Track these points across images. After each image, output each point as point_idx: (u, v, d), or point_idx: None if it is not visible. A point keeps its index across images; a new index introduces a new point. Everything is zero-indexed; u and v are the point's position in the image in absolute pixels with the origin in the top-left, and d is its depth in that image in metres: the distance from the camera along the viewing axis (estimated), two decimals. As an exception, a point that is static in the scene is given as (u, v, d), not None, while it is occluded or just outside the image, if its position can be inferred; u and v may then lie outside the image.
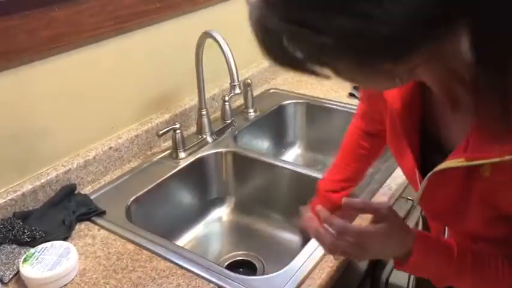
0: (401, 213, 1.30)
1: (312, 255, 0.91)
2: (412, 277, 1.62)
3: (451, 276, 0.72)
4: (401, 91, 0.71)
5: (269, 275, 0.88)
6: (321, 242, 0.74)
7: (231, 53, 1.11)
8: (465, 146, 0.62)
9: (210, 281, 0.87)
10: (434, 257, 0.72)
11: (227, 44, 1.13)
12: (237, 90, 1.12)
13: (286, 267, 0.89)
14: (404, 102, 0.71)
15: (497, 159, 0.57)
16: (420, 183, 0.71)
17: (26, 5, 0.96)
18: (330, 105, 1.54)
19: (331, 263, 0.90)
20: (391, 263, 1.28)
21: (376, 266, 1.21)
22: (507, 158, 0.55)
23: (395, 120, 0.73)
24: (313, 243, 0.94)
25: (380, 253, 0.76)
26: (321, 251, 0.92)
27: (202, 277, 0.88)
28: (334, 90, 1.63)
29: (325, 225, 0.72)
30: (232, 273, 0.89)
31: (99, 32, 1.11)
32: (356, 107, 1.49)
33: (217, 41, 1.13)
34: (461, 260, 0.70)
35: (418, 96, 0.71)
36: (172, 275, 0.89)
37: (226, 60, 1.11)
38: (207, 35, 1.18)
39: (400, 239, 0.72)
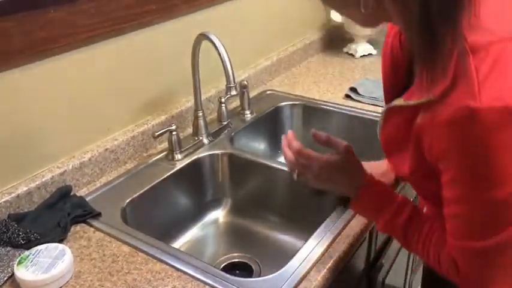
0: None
1: (308, 257, 0.91)
2: (408, 278, 1.62)
3: (386, 222, 0.82)
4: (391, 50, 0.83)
5: (265, 277, 0.88)
6: (285, 159, 0.92)
7: (227, 55, 1.11)
8: (411, 90, 0.73)
9: (206, 283, 0.87)
10: (377, 199, 0.83)
11: (223, 46, 1.13)
12: (233, 92, 1.12)
13: (283, 269, 0.89)
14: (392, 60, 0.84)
15: (413, 102, 0.69)
16: None
17: (21, 6, 0.96)
18: (326, 107, 1.54)
19: (326, 265, 0.90)
20: (387, 265, 1.28)
21: (373, 268, 1.21)
22: (423, 100, 0.67)
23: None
24: (309, 245, 0.94)
25: (331, 182, 0.87)
26: (316, 251, 0.92)
27: (198, 279, 0.88)
28: (331, 92, 1.63)
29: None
30: (228, 275, 0.89)
31: (96, 34, 1.11)
32: (352, 109, 1.50)
33: (213, 43, 1.13)
34: (398, 210, 0.81)
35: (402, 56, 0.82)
36: (168, 277, 0.88)
37: (222, 62, 1.11)
38: (203, 36, 1.18)
39: (351, 175, 0.85)
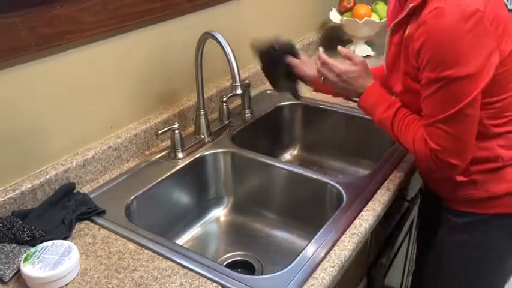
0: (399, 214, 1.32)
1: (313, 255, 0.92)
2: (404, 279, 1.64)
3: (380, 114, 1.06)
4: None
5: (272, 275, 0.88)
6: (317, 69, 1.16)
7: (233, 54, 1.12)
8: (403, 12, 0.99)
9: (213, 281, 0.87)
10: (377, 96, 1.08)
11: (229, 45, 1.13)
12: (239, 91, 1.12)
13: (289, 267, 0.90)
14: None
15: (403, 14, 0.97)
16: None
17: (27, 2, 0.96)
18: (326, 107, 1.55)
19: (332, 263, 0.91)
20: (387, 265, 1.29)
21: (373, 267, 1.22)
22: (408, 10, 0.95)
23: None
24: (314, 243, 0.95)
25: (347, 84, 1.11)
26: (322, 250, 0.93)
27: (206, 276, 0.88)
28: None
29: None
30: (235, 273, 0.89)
31: (100, 31, 1.10)
32: (351, 109, 1.51)
33: (219, 42, 1.13)
34: (390, 105, 1.06)
35: None
36: (175, 275, 0.89)
37: (228, 61, 1.11)
38: (208, 35, 1.18)
39: (362, 79, 1.10)
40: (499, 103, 0.98)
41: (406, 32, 0.97)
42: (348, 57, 1.13)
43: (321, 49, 1.16)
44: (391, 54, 1.07)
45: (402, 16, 0.98)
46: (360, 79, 1.10)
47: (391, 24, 1.04)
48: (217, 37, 1.14)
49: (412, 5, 0.94)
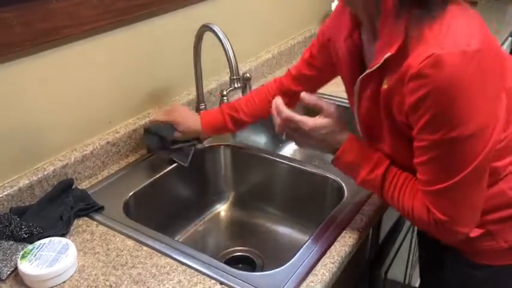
0: (393, 218, 1.30)
1: (313, 251, 0.91)
2: (408, 272, 1.63)
3: (366, 175, 0.89)
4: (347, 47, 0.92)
5: (271, 271, 0.87)
6: (274, 123, 0.94)
7: (231, 47, 1.10)
8: (373, 61, 0.82)
9: (211, 277, 0.86)
10: (358, 154, 0.91)
11: (227, 38, 1.11)
12: (237, 84, 1.11)
13: (288, 263, 0.89)
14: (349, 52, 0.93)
15: (378, 64, 0.79)
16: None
17: (23, -4, 0.95)
18: (329, 99, 1.53)
19: (332, 259, 0.90)
20: (389, 260, 1.28)
21: (375, 263, 1.21)
22: (385, 57, 0.77)
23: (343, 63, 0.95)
24: (314, 239, 0.94)
25: (317, 143, 0.92)
26: (322, 246, 0.92)
27: (204, 273, 0.87)
28: (331, 85, 1.62)
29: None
30: (234, 270, 0.88)
31: (98, 25, 1.09)
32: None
33: (216, 35, 1.12)
34: (377, 164, 0.89)
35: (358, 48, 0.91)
36: (173, 271, 0.88)
37: (226, 54, 1.10)
38: (206, 28, 1.17)
39: (337, 134, 0.91)
40: (503, 142, 0.84)
41: (385, 86, 0.81)
42: (318, 107, 0.92)
43: (278, 99, 0.92)
44: (364, 111, 0.90)
45: (373, 69, 0.81)
46: (335, 134, 0.91)
47: (359, 79, 0.86)
48: (215, 30, 1.12)
49: (388, 55, 0.77)
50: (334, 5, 1.94)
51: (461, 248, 0.95)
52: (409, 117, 0.78)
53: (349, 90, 0.97)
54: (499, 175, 0.86)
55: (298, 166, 1.22)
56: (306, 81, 1.15)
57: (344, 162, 0.92)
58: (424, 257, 1.16)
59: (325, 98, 1.53)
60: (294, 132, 0.92)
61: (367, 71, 0.84)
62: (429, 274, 1.13)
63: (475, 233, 0.88)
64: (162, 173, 1.18)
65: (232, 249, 1.22)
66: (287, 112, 0.91)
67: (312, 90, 1.14)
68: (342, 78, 1.01)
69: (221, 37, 1.11)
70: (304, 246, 0.93)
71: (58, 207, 1.02)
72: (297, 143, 0.96)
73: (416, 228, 1.32)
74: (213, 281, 0.86)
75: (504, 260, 0.92)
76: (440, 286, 1.05)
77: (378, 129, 0.89)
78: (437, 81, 0.71)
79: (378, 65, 0.80)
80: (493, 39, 0.79)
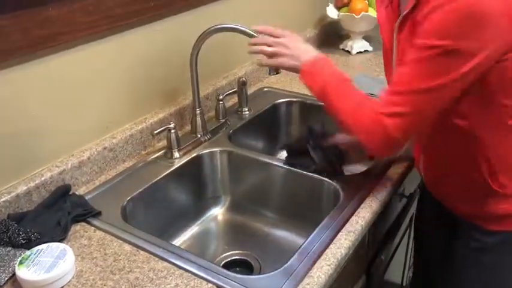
0: (397, 210, 1.32)
1: (309, 253, 0.92)
2: (405, 274, 1.64)
3: (324, 82, 1.00)
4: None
5: (268, 274, 0.88)
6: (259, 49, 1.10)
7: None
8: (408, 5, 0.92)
9: (208, 281, 0.87)
10: (325, 65, 1.03)
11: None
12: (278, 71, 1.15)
13: (284, 266, 0.89)
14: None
15: (410, 7, 0.89)
16: None
17: (19, 4, 0.95)
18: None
19: (328, 261, 0.90)
20: (385, 262, 1.29)
21: (372, 264, 1.22)
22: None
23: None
24: (310, 242, 0.94)
25: (294, 51, 1.06)
26: (318, 248, 0.93)
27: (201, 277, 0.88)
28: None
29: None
30: (231, 273, 0.89)
31: (94, 31, 1.10)
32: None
33: (244, 32, 1.16)
34: (339, 75, 1.01)
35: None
36: (171, 276, 0.88)
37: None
38: (205, 36, 1.18)
39: (309, 46, 1.08)
40: None
41: (418, 18, 0.89)
42: (273, 34, 1.10)
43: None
44: (401, 55, 0.98)
45: (407, 10, 0.91)
46: (300, 43, 1.08)
47: (397, 23, 0.97)
48: (237, 27, 1.17)
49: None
50: (329, 9, 1.95)
51: (476, 213, 1.01)
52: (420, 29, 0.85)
53: (388, 48, 1.05)
54: None
55: (294, 169, 1.23)
56: None
57: (310, 72, 1.03)
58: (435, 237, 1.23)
59: (319, 102, 1.54)
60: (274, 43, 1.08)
61: (403, 13, 0.93)
62: (441, 246, 1.18)
63: (494, 188, 0.94)
64: (159, 177, 1.19)
65: (229, 252, 1.22)
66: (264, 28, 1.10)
67: None
68: (383, 41, 1.09)
69: (248, 33, 1.14)
70: (301, 248, 0.93)
71: (56, 213, 1.02)
72: (276, 61, 1.08)
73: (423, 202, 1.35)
74: (210, 285, 0.86)
75: None
76: (450, 255, 1.10)
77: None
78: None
79: (411, 6, 0.89)
80: None
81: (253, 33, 1.13)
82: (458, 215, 1.07)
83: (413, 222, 1.50)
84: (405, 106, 0.88)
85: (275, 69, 1.15)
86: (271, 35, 1.11)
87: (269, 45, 1.09)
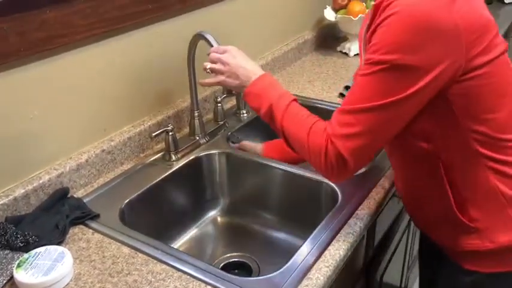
0: (394, 213, 1.32)
1: (308, 255, 0.91)
2: (404, 275, 1.64)
3: (271, 106, 0.93)
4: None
5: (266, 276, 0.88)
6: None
7: None
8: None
9: (207, 283, 0.87)
10: (270, 85, 0.97)
11: (219, 45, 1.12)
12: (232, 91, 1.11)
13: (283, 268, 0.89)
14: None
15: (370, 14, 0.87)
16: None
17: (17, 6, 0.95)
18: (321, 106, 1.54)
19: (327, 263, 0.90)
20: (384, 263, 1.29)
21: (371, 265, 1.22)
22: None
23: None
24: (309, 243, 0.94)
25: (236, 69, 1.01)
26: (317, 250, 0.93)
27: (200, 279, 0.87)
28: (326, 91, 1.63)
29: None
30: (229, 275, 0.88)
31: (91, 34, 1.10)
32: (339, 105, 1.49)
33: (209, 42, 1.13)
34: (283, 96, 0.93)
35: None
36: (169, 278, 0.88)
37: None
38: (199, 36, 1.18)
39: (252, 64, 1.02)
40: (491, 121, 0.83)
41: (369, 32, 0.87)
42: (222, 50, 1.05)
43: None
44: None
45: (368, 22, 0.89)
46: (241, 60, 1.02)
47: (364, 34, 0.92)
48: (208, 37, 1.13)
49: (373, 3, 0.86)
50: (326, 12, 1.96)
51: (449, 248, 0.95)
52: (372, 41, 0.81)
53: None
54: (484, 163, 0.84)
55: (293, 171, 1.23)
56: None
57: (254, 92, 0.97)
58: (423, 267, 1.18)
59: (317, 104, 1.54)
60: (218, 62, 1.04)
61: (365, 27, 0.91)
62: (428, 283, 1.15)
63: (462, 220, 0.88)
64: (157, 180, 1.19)
65: (228, 255, 1.22)
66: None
67: None
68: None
69: (214, 45, 1.12)
70: (299, 250, 0.93)
71: (54, 216, 1.02)
72: (223, 81, 1.04)
73: (417, 237, 1.33)
74: (208, 287, 0.86)
75: (491, 266, 0.89)
76: None
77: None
78: (403, 5, 0.76)
79: (371, 14, 0.87)
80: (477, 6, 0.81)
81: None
82: (440, 247, 0.99)
83: (411, 224, 1.50)
84: (356, 126, 0.81)
85: (228, 91, 1.15)
86: (215, 52, 1.06)
87: (213, 62, 1.06)
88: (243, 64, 1.02)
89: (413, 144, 0.89)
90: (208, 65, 1.06)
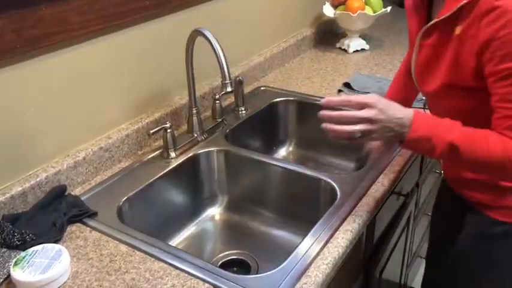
0: (393, 209, 1.31)
1: (307, 252, 0.91)
2: (404, 272, 1.63)
3: (444, 138, 0.86)
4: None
5: (265, 274, 0.88)
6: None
7: (222, 51, 1.10)
8: (440, 12, 0.91)
9: (205, 281, 0.86)
10: (433, 123, 0.89)
11: (218, 42, 1.12)
12: (229, 89, 1.11)
13: (282, 266, 0.89)
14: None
15: (448, 14, 0.87)
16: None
17: (12, 3, 0.95)
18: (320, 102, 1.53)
19: (326, 260, 0.90)
20: (383, 260, 1.29)
21: (370, 262, 1.21)
22: (454, 9, 0.86)
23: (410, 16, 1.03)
24: (307, 241, 0.94)
25: (389, 123, 0.88)
26: (315, 247, 0.92)
27: (198, 277, 0.87)
28: (324, 87, 1.63)
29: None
30: (227, 273, 0.88)
31: (88, 31, 1.09)
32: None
33: (208, 39, 1.12)
34: (452, 124, 0.87)
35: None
36: (167, 276, 0.88)
37: (218, 59, 1.10)
38: (197, 33, 1.17)
39: (399, 109, 0.89)
40: None
41: (457, 32, 0.87)
42: (349, 104, 0.90)
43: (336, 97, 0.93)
44: (422, 57, 0.98)
45: (442, 18, 0.89)
46: (390, 111, 0.88)
47: (424, 28, 0.95)
48: (206, 34, 1.12)
49: (463, 2, 0.84)
50: (325, 8, 1.95)
51: (482, 201, 1.02)
52: (484, 54, 0.83)
53: (412, 40, 1.03)
54: None
55: (291, 168, 1.23)
56: None
57: (419, 137, 0.88)
58: (443, 219, 1.25)
59: (316, 101, 1.53)
60: (360, 120, 0.89)
61: (435, 20, 0.91)
62: (449, 234, 1.17)
63: (505, 184, 0.95)
64: (155, 177, 1.18)
65: (226, 252, 1.22)
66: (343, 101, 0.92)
67: None
68: (409, 31, 1.06)
69: (212, 41, 1.11)
70: (298, 248, 0.93)
71: (51, 214, 1.02)
72: (369, 138, 0.93)
73: (438, 189, 1.34)
74: (207, 285, 0.86)
75: None
76: (462, 245, 1.10)
77: (433, 73, 0.95)
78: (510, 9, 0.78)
79: (449, 14, 0.87)
80: None
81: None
82: (470, 203, 1.05)
83: (411, 221, 1.50)
84: None
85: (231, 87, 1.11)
86: (342, 106, 0.92)
87: (352, 123, 0.89)
88: (393, 114, 0.89)
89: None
90: (356, 127, 0.88)
